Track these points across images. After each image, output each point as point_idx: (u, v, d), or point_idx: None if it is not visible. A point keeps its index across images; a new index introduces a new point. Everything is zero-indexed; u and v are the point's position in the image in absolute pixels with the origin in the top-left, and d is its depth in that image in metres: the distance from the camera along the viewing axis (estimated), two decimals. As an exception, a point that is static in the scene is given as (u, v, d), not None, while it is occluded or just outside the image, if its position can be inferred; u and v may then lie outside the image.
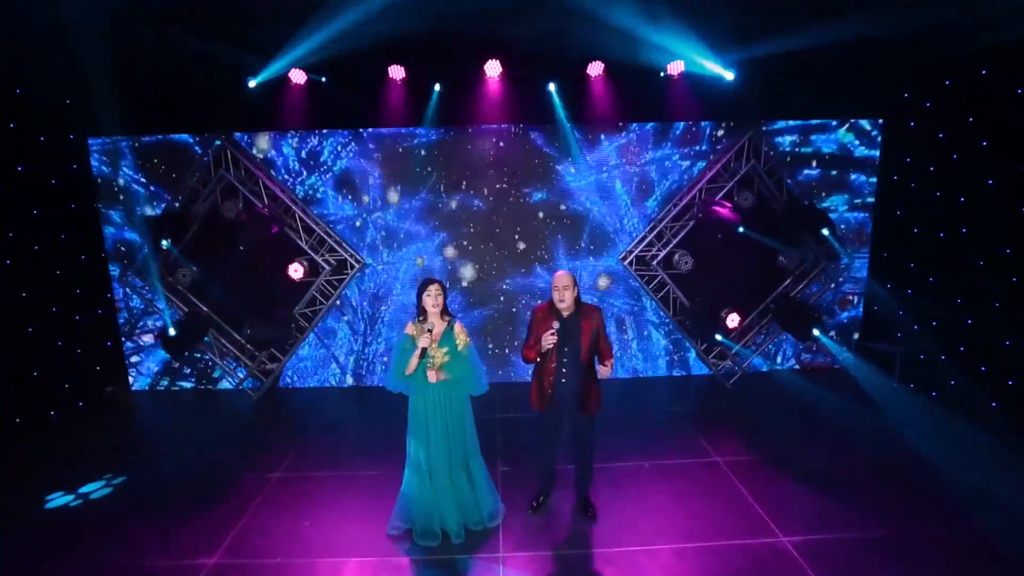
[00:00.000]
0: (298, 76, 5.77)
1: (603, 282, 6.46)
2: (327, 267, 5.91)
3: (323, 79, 5.55)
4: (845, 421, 5.41)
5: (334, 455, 4.98)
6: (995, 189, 5.24)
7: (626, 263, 6.09)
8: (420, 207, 6.28)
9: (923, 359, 5.99)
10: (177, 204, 5.93)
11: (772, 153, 5.88)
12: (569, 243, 6.39)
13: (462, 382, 3.58)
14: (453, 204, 6.30)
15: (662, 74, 5.55)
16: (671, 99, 5.73)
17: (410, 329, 3.52)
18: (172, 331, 5.44)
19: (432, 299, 3.47)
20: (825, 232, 5.44)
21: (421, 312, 3.54)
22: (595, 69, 5.78)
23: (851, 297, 6.67)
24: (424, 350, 3.40)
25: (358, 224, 6.29)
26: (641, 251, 6.07)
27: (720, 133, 6.13)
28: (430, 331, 3.41)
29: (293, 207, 5.79)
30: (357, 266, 6.02)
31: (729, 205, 5.65)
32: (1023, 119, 4.95)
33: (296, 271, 5.88)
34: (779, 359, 6.79)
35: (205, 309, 6.12)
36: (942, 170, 5.80)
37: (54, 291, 5.69)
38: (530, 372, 3.87)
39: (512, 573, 3.38)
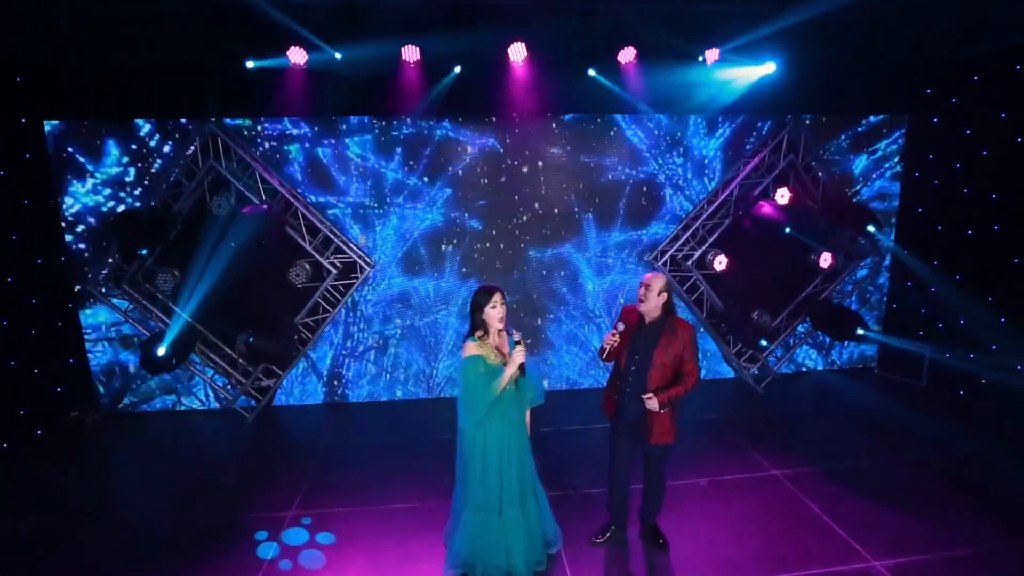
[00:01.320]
0: (298, 56, 5.10)
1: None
2: (334, 271, 5.27)
3: (336, 55, 4.79)
4: (891, 424, 5.25)
5: (355, 486, 4.39)
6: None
7: (659, 263, 5.73)
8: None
9: (948, 357, 5.95)
10: (155, 201, 5.13)
11: (811, 148, 5.65)
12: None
13: (530, 398, 3.14)
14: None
15: (700, 59, 5.18)
16: (707, 88, 5.37)
17: (475, 349, 2.99)
18: (163, 349, 4.67)
19: (498, 311, 2.98)
20: (871, 228, 5.25)
21: (478, 327, 3.04)
22: (626, 55, 5.37)
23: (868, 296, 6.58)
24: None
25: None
26: (675, 250, 5.73)
27: (764, 127, 5.86)
28: (519, 343, 2.91)
29: (295, 203, 5.11)
30: (368, 269, 5.40)
31: (774, 203, 5.38)
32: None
33: (298, 275, 5.22)
34: (803, 359, 6.62)
35: (188, 319, 5.36)
36: (968, 167, 5.75)
37: (4, 301, 4.82)
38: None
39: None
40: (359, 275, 5.42)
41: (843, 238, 5.72)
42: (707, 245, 5.63)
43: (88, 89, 4.85)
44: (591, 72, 5.36)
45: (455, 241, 5.79)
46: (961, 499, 4.02)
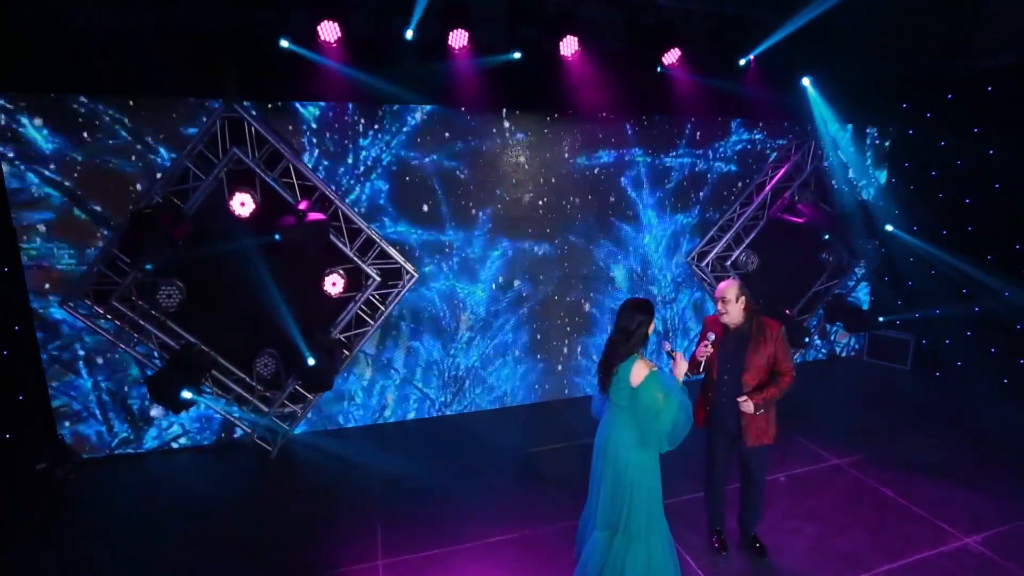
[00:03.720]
0: (330, 31, 4.42)
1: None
2: (377, 278, 4.68)
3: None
4: (906, 405, 5.77)
5: (435, 520, 3.92)
6: (1001, 191, 5.98)
7: (698, 264, 5.81)
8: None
9: (925, 344, 6.72)
10: (158, 197, 4.17)
11: (829, 156, 6.04)
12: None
13: None
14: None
15: (742, 62, 5.30)
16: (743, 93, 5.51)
17: (647, 367, 2.75)
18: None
19: (653, 323, 2.84)
20: (889, 228, 5.73)
21: (641, 342, 2.83)
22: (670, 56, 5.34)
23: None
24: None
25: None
26: (718, 250, 5.84)
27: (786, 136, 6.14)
28: (672, 353, 2.78)
29: (336, 202, 4.43)
30: (414, 277, 4.85)
31: (807, 207, 5.67)
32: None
33: (335, 284, 4.57)
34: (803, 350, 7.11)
35: (192, 339, 4.48)
36: (943, 176, 6.51)
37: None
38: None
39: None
40: (398, 282, 4.87)
41: (850, 239, 6.21)
42: (744, 246, 5.81)
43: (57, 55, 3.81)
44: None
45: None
46: (1004, 469, 4.50)
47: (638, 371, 2.72)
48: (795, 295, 6.48)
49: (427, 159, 5.05)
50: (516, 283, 5.58)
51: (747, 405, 3.13)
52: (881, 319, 6.09)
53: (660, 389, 2.66)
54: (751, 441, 3.25)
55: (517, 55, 4.65)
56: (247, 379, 4.70)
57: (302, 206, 4.00)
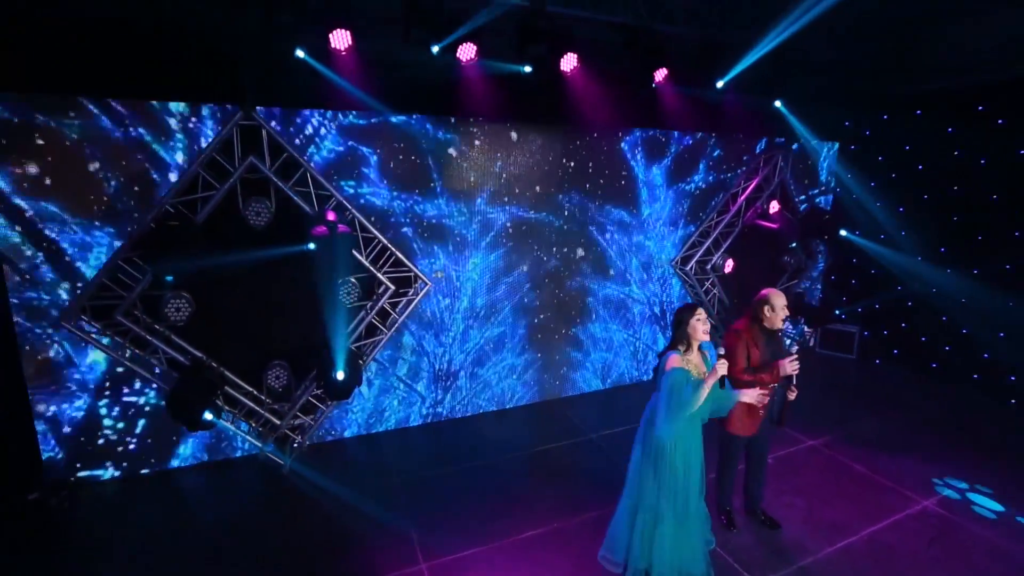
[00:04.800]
0: (342, 39, 4.42)
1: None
2: (392, 287, 4.71)
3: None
4: (854, 390, 6.56)
5: (469, 520, 4.06)
6: (929, 201, 6.91)
7: (682, 268, 6.27)
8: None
9: (867, 335, 7.63)
10: (169, 206, 3.98)
11: (787, 168, 6.70)
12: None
13: (713, 410, 3.32)
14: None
15: (719, 85, 5.80)
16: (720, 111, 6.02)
17: (679, 362, 3.08)
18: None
19: (703, 323, 3.13)
20: (843, 232, 6.45)
21: (681, 340, 3.15)
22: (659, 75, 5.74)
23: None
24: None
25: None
26: (700, 255, 6.33)
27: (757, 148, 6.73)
28: (721, 356, 3.09)
29: (353, 211, 4.41)
30: (428, 286, 4.93)
31: (778, 216, 6.28)
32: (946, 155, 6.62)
33: (349, 293, 4.56)
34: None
35: (198, 354, 4.32)
36: (881, 186, 7.41)
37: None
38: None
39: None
40: (410, 291, 4.92)
41: (811, 243, 6.94)
42: (721, 251, 6.34)
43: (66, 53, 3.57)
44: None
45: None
46: (945, 441, 5.27)
47: (671, 362, 3.07)
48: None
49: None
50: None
51: (793, 392, 3.59)
52: (838, 311, 6.84)
53: (668, 380, 3.01)
54: (784, 423, 3.74)
55: (527, 68, 4.83)
56: (255, 392, 4.59)
57: (330, 216, 3.98)
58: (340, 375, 4.04)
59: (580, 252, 6.01)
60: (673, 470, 3.16)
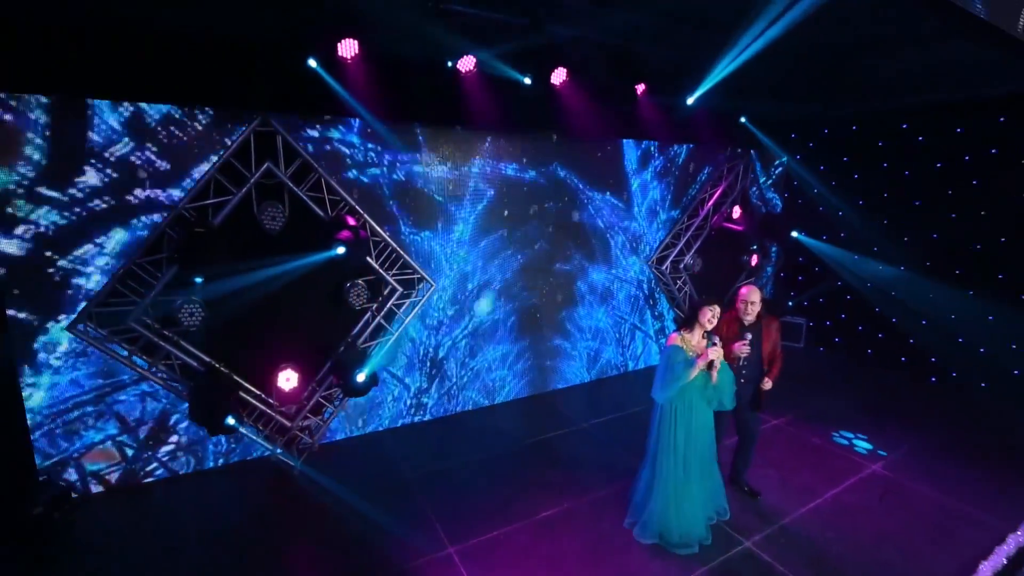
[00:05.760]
0: (350, 48, 4.54)
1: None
2: (399, 289, 4.88)
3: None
4: (804, 373, 7.37)
5: (487, 504, 4.33)
6: (864, 207, 7.87)
7: (658, 267, 6.80)
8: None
9: (812, 325, 8.56)
10: (187, 211, 3.95)
11: (753, 174, 7.42)
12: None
13: (719, 400, 3.78)
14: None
15: (689, 102, 6.38)
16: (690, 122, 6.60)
17: (677, 340, 3.60)
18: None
19: (716, 313, 3.62)
20: (795, 234, 7.23)
21: (689, 324, 3.62)
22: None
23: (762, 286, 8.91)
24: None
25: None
26: (674, 255, 6.89)
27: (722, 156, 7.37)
28: (716, 344, 3.56)
29: (366, 216, 4.54)
30: (432, 287, 5.12)
31: (742, 219, 6.94)
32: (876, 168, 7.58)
33: (358, 296, 4.70)
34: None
35: (208, 359, 4.32)
36: (822, 194, 8.33)
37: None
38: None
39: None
40: (414, 292, 5.11)
41: (766, 244, 7.70)
42: (692, 251, 6.94)
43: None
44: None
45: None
46: (883, 415, 6.10)
47: (670, 340, 3.63)
48: (724, 290, 7.83)
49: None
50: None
51: (767, 383, 4.15)
52: (790, 304, 7.65)
53: (665, 353, 3.55)
54: (763, 409, 4.27)
55: (527, 80, 5.13)
56: (262, 395, 4.62)
57: (351, 222, 4.11)
58: (361, 377, 4.18)
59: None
60: (673, 436, 3.65)
